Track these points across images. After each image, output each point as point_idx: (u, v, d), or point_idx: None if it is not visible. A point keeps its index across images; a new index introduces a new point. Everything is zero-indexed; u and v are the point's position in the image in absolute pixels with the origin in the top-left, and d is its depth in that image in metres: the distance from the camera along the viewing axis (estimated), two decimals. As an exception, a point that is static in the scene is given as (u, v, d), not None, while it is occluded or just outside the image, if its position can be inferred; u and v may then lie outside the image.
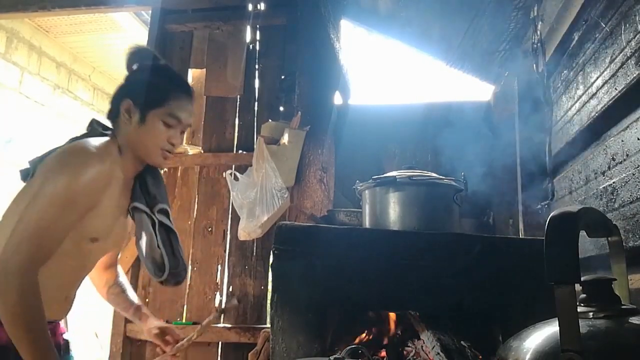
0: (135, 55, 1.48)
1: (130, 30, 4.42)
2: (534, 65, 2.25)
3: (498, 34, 2.52)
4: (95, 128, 1.44)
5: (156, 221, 1.43)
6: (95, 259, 1.45)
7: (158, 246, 1.40)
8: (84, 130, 1.46)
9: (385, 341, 1.64)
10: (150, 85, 1.40)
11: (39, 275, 1.16)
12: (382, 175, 1.70)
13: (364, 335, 1.67)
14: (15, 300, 1.11)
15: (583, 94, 1.83)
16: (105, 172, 1.29)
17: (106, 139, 1.38)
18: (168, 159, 1.44)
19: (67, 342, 1.41)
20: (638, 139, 1.39)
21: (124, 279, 1.66)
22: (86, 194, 1.24)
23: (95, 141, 1.33)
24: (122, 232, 1.49)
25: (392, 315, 1.68)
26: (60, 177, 1.21)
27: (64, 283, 1.33)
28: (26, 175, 1.34)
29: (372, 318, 1.69)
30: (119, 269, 1.67)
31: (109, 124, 1.45)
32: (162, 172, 1.59)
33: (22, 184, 1.34)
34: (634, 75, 1.40)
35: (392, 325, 1.68)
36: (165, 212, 1.48)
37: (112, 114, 1.42)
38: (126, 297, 1.61)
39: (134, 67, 1.47)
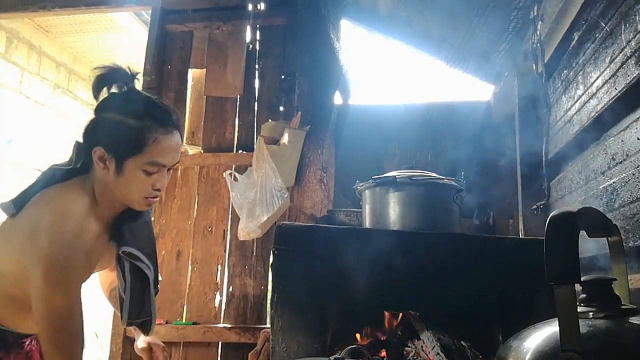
0: (105, 79, 1.25)
1: (130, 30, 4.42)
2: (534, 65, 2.25)
3: (498, 34, 2.52)
4: (75, 162, 1.28)
5: (125, 264, 1.30)
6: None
7: (124, 291, 1.30)
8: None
9: (385, 341, 1.64)
10: (123, 130, 1.19)
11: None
12: (382, 175, 1.70)
13: (365, 336, 1.67)
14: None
15: (583, 94, 1.83)
16: (93, 231, 1.20)
17: (77, 188, 1.23)
18: (153, 203, 1.30)
19: None
20: (638, 139, 1.39)
21: None
22: (81, 265, 1.17)
23: (73, 200, 1.19)
24: (112, 254, 1.35)
25: (392, 315, 1.68)
26: (51, 260, 1.11)
27: None
28: (9, 210, 1.24)
29: (372, 318, 1.69)
30: None
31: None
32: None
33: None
34: (634, 75, 1.40)
35: (392, 325, 1.67)
36: (134, 256, 1.31)
37: (85, 157, 1.25)
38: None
39: (103, 103, 1.26)
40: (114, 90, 1.27)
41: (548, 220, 0.72)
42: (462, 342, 1.53)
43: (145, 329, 1.39)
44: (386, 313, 1.68)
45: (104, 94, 1.27)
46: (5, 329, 1.21)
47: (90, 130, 1.25)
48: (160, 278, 1.43)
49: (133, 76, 1.28)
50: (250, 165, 2.71)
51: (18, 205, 1.23)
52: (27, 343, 1.27)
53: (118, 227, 1.30)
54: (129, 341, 2.83)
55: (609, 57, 1.59)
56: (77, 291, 1.17)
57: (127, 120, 1.20)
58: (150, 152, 1.20)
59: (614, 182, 1.54)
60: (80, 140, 1.27)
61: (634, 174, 1.41)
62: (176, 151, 1.26)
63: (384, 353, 1.59)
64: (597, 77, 1.69)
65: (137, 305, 1.32)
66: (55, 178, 1.27)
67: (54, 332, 1.12)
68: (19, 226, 1.19)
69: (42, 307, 1.11)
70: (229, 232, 2.92)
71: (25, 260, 1.14)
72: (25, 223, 1.18)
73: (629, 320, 0.76)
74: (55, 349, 1.12)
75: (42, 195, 1.21)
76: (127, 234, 1.30)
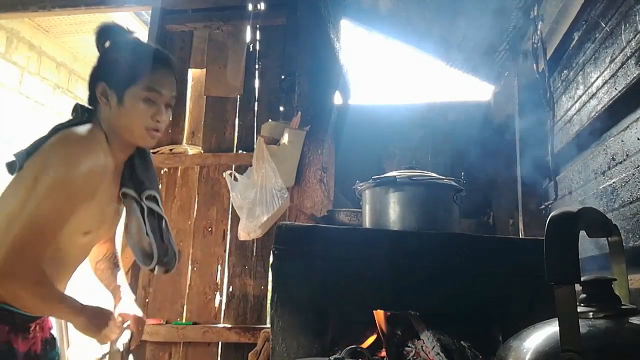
0: (105, 32, 1.38)
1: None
2: (534, 65, 2.25)
3: (498, 34, 2.52)
4: (79, 114, 1.35)
5: (145, 208, 1.37)
6: (87, 251, 1.41)
7: (147, 234, 1.35)
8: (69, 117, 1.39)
9: (385, 341, 1.64)
10: (121, 63, 1.31)
11: None
12: (382, 175, 1.70)
13: (365, 336, 1.67)
14: (32, 304, 1.18)
15: (583, 94, 1.83)
16: (100, 163, 1.24)
17: (92, 126, 1.30)
18: (156, 137, 1.35)
19: (53, 338, 1.38)
20: (638, 139, 1.39)
21: (116, 259, 1.59)
22: (83, 187, 1.20)
23: (84, 130, 1.26)
24: (114, 220, 1.45)
25: (392, 315, 1.68)
26: (57, 170, 1.17)
27: (54, 278, 1.28)
28: (12, 168, 1.30)
29: (372, 318, 1.69)
30: (116, 247, 1.61)
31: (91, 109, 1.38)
32: (153, 156, 1.52)
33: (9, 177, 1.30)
34: (634, 75, 1.40)
35: (392, 326, 1.67)
36: (153, 199, 1.41)
37: (91, 100, 1.34)
38: (110, 274, 1.54)
39: (106, 45, 1.36)
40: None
41: (548, 220, 0.72)
42: (462, 342, 1.53)
43: (170, 267, 1.42)
44: (386, 313, 1.68)
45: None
46: (14, 310, 1.20)
47: (93, 73, 1.35)
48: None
49: (131, 32, 1.41)
50: (250, 165, 2.71)
51: (21, 158, 1.28)
52: (32, 328, 1.26)
53: (132, 175, 1.38)
54: (129, 341, 2.82)
55: (609, 57, 1.59)
56: (67, 215, 1.19)
57: (124, 54, 1.32)
58: (146, 80, 1.30)
59: (614, 182, 1.54)
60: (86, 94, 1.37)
61: (634, 174, 1.41)
62: (171, 85, 1.36)
63: (384, 353, 1.59)
64: (597, 77, 1.69)
65: (162, 244, 1.38)
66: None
67: (25, 239, 1.13)
68: (25, 174, 1.23)
69: (28, 210, 1.13)
70: (229, 232, 2.92)
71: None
72: (34, 164, 1.22)
73: (629, 320, 0.76)
74: (18, 254, 1.12)
75: (52, 139, 1.24)
76: (145, 180, 1.39)
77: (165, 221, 1.43)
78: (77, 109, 1.36)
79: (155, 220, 1.40)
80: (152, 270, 1.38)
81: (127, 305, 1.45)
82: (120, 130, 1.32)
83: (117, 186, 1.37)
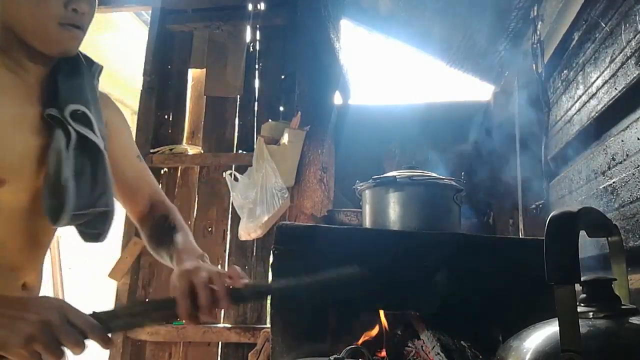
0: None
1: (130, 30, 4.42)
2: (534, 65, 2.25)
3: (498, 33, 2.52)
4: None
5: (71, 133, 0.93)
6: (22, 218, 0.95)
7: (63, 174, 0.90)
8: None
9: (385, 341, 1.64)
10: None
11: None
12: (382, 175, 1.70)
13: (365, 336, 1.67)
14: None
15: (583, 94, 1.83)
16: None
17: None
18: (76, 37, 0.96)
19: None
20: (638, 139, 1.39)
21: (168, 218, 1.16)
22: None
23: None
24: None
25: (392, 315, 1.68)
26: None
27: (21, 265, 0.98)
28: None
29: (372, 318, 1.69)
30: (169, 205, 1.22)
31: None
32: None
33: None
34: (634, 75, 1.40)
35: (392, 326, 1.67)
36: (84, 119, 0.96)
37: None
38: (167, 232, 1.10)
39: None
40: None
41: (548, 220, 0.72)
42: (462, 342, 1.53)
43: (104, 226, 0.99)
44: (386, 313, 1.68)
45: None
46: None
47: None
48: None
49: None
50: (251, 165, 2.71)
51: None
52: None
53: (56, 92, 0.96)
54: (129, 341, 2.83)
55: (609, 57, 1.59)
56: None
57: None
58: None
59: (614, 182, 1.54)
60: None
61: (634, 174, 1.41)
62: None
63: (384, 353, 1.59)
64: (597, 77, 1.69)
65: (92, 189, 0.95)
66: None
67: None
68: None
69: None
70: (229, 232, 2.92)
71: None
72: None
73: (629, 320, 0.76)
74: None
75: None
76: (68, 92, 0.97)
77: (103, 156, 0.98)
78: None
79: (86, 155, 0.96)
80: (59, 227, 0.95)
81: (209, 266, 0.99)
82: (20, 22, 0.91)
83: (33, 108, 0.95)
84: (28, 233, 0.98)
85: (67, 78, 0.99)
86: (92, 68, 1.07)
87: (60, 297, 4.20)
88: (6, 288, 0.94)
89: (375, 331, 1.67)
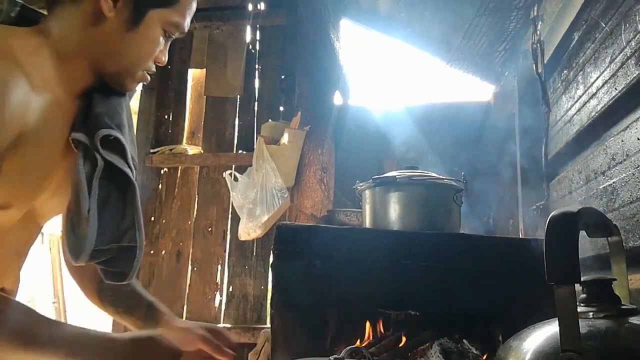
0: None
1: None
2: (534, 65, 2.25)
3: (498, 34, 2.52)
4: (5, 11, 0.88)
5: (99, 161, 0.85)
6: (13, 240, 0.93)
7: (87, 210, 0.83)
8: None
9: (385, 341, 1.64)
10: None
11: None
12: (382, 175, 1.70)
13: (365, 336, 1.67)
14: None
15: (583, 94, 1.83)
16: (20, 94, 0.77)
17: (25, 31, 0.84)
18: (145, 81, 0.97)
19: None
20: (638, 139, 1.39)
21: None
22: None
23: (11, 35, 0.82)
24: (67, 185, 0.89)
25: (392, 315, 1.68)
26: None
27: None
28: None
29: (372, 318, 1.69)
30: None
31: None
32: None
33: None
34: (634, 75, 1.40)
35: (393, 326, 1.68)
36: (117, 147, 0.90)
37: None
38: (133, 291, 1.08)
39: None
40: None
41: (548, 220, 0.72)
42: (463, 342, 1.53)
43: (129, 264, 0.91)
44: (386, 313, 1.68)
45: None
46: None
47: None
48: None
49: None
50: (250, 165, 2.71)
51: None
52: None
53: (89, 113, 0.89)
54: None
55: (609, 57, 1.59)
56: None
57: None
58: (179, 9, 0.94)
59: (614, 182, 1.54)
60: None
61: (634, 174, 1.41)
62: (189, 20, 1.00)
63: (383, 353, 1.59)
64: (597, 77, 1.69)
65: (119, 222, 0.89)
66: None
67: None
68: None
69: None
70: (229, 232, 2.92)
71: None
72: None
73: (629, 320, 0.76)
74: None
75: None
76: (104, 114, 0.90)
77: (134, 189, 0.92)
78: (23, 11, 0.90)
79: (114, 185, 0.89)
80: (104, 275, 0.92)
81: (198, 323, 1.05)
82: (108, 54, 0.90)
83: (65, 131, 0.88)
84: (13, 245, 0.94)
85: (103, 98, 0.93)
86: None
87: (60, 297, 4.20)
88: None
89: (375, 331, 1.67)
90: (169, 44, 0.98)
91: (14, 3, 0.89)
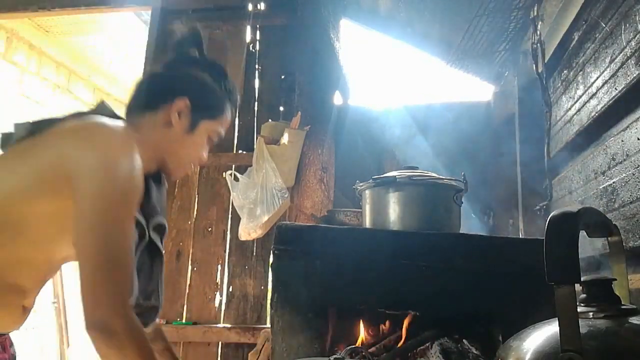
0: (189, 39, 1.29)
1: (130, 30, 4.42)
2: (534, 65, 2.25)
3: (498, 34, 2.52)
4: (108, 111, 1.14)
5: (146, 238, 1.12)
6: (55, 269, 1.17)
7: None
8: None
9: (385, 341, 1.64)
10: (211, 92, 1.21)
11: None
12: (382, 175, 1.70)
13: (365, 336, 1.67)
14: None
15: (583, 94, 1.83)
16: (140, 169, 1.03)
17: (126, 128, 1.10)
18: (187, 172, 1.28)
19: (14, 357, 1.13)
20: (638, 139, 1.39)
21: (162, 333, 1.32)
22: (135, 187, 1.00)
23: (122, 127, 1.08)
24: None
25: (392, 315, 1.68)
26: (104, 161, 0.95)
27: (26, 289, 1.05)
28: (6, 141, 1.07)
29: (372, 318, 1.69)
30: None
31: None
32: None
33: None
34: (634, 75, 1.40)
35: (392, 326, 1.67)
36: (160, 230, 1.19)
37: (147, 105, 1.16)
38: (167, 349, 1.30)
39: (194, 53, 1.26)
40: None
41: (548, 220, 0.72)
42: (463, 341, 1.53)
43: (151, 318, 1.16)
44: (386, 313, 1.68)
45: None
46: None
47: (173, 78, 1.20)
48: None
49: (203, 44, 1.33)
50: (251, 165, 2.71)
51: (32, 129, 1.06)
52: None
53: (145, 198, 1.10)
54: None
55: (609, 57, 1.59)
56: (132, 227, 1.00)
57: (216, 85, 1.23)
58: (222, 120, 1.24)
59: (614, 182, 1.54)
60: (133, 93, 1.21)
61: (634, 174, 1.41)
62: (225, 130, 1.29)
63: (383, 353, 1.59)
64: (597, 77, 1.69)
65: (147, 284, 1.12)
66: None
67: (108, 270, 0.91)
68: (35, 155, 1.00)
69: (96, 244, 0.91)
70: (229, 232, 2.92)
71: (41, 194, 0.95)
72: (54, 153, 0.99)
73: (629, 320, 0.76)
74: (107, 288, 0.90)
75: (79, 124, 1.04)
76: (158, 206, 1.18)
77: (161, 260, 1.19)
78: (105, 106, 1.17)
79: (148, 256, 1.13)
80: None
81: None
82: (168, 152, 1.17)
83: None
84: (49, 273, 1.13)
85: (157, 187, 1.21)
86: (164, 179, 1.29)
87: (60, 297, 4.20)
88: (7, 308, 1.02)
89: (375, 331, 1.67)
90: (209, 146, 1.25)
91: (107, 107, 1.16)
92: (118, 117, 1.15)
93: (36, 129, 1.06)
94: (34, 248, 1.01)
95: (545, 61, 2.22)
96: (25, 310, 1.08)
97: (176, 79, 1.20)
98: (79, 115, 1.11)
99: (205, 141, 1.22)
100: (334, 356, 1.18)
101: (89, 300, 0.90)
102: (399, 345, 1.59)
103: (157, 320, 1.19)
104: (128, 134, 1.06)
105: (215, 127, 1.22)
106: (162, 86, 1.19)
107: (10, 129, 1.09)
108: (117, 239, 0.93)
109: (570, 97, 1.99)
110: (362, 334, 1.65)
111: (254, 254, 2.87)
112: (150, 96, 1.17)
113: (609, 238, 0.89)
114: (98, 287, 0.90)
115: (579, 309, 0.77)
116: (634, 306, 0.81)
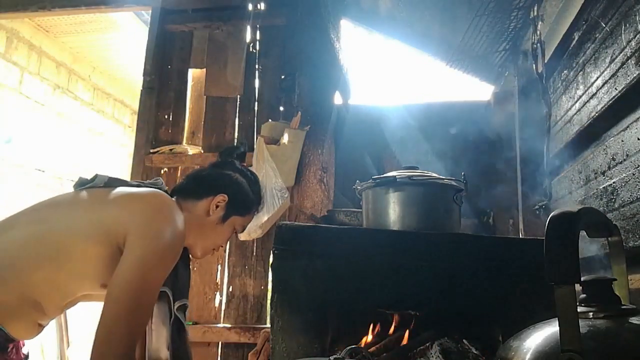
0: (235, 150, 1.61)
1: (130, 30, 4.42)
2: (534, 65, 2.25)
3: (498, 34, 2.52)
4: (162, 184, 1.42)
5: (172, 314, 1.36)
6: (74, 301, 1.31)
7: (167, 347, 1.35)
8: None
9: (385, 341, 1.64)
10: (246, 195, 1.48)
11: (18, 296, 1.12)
12: (382, 175, 1.70)
13: (365, 336, 1.67)
14: None
15: (583, 94, 1.83)
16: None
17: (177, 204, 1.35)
18: (209, 255, 1.50)
19: (26, 357, 1.27)
20: (638, 139, 1.39)
21: None
22: (177, 256, 1.22)
23: (175, 204, 1.31)
24: None
25: (392, 315, 1.68)
26: (165, 235, 1.17)
27: (47, 310, 1.20)
28: (83, 184, 1.30)
29: (372, 318, 1.69)
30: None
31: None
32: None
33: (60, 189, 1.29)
34: (634, 75, 1.40)
35: (392, 326, 1.67)
36: (183, 308, 1.43)
37: (193, 193, 1.42)
38: None
39: (236, 163, 1.53)
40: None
41: (548, 220, 0.72)
42: (463, 342, 1.53)
43: None
44: (386, 313, 1.68)
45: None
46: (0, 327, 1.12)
47: (221, 178, 1.48)
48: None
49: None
50: (251, 165, 2.70)
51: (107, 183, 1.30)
52: (9, 349, 1.18)
53: (173, 273, 1.29)
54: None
55: (609, 57, 1.59)
56: (160, 285, 1.20)
57: (251, 191, 1.52)
58: (247, 218, 1.51)
59: (614, 182, 1.54)
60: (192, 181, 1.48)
61: (634, 174, 1.41)
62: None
63: (384, 353, 1.59)
64: (597, 77, 1.69)
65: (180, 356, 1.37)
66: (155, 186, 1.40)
67: (127, 316, 1.09)
68: (105, 203, 1.23)
69: (134, 282, 1.10)
70: (229, 232, 2.92)
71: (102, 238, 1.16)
72: (121, 213, 1.21)
73: (629, 320, 0.76)
74: (122, 332, 1.07)
75: (146, 193, 1.28)
76: (184, 287, 1.45)
77: (187, 334, 1.43)
78: (161, 181, 1.43)
79: (176, 329, 1.38)
80: None
81: None
82: (200, 235, 1.40)
83: None
84: (68, 305, 1.26)
85: (184, 269, 1.43)
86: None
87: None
88: (25, 320, 1.16)
89: (375, 331, 1.67)
90: (232, 235, 1.49)
91: (160, 186, 1.39)
92: (169, 194, 1.38)
93: (111, 184, 1.29)
94: (69, 279, 1.18)
95: (546, 61, 2.22)
96: (40, 327, 1.22)
97: (221, 178, 1.47)
98: (144, 185, 1.37)
99: (230, 232, 1.46)
100: (334, 356, 1.18)
101: (102, 340, 1.05)
102: (399, 345, 1.59)
103: None
104: (180, 213, 1.28)
105: (242, 222, 1.48)
106: (210, 181, 1.46)
107: (89, 176, 1.33)
108: (145, 294, 1.12)
109: (570, 97, 1.99)
110: (368, 335, 1.65)
111: (254, 254, 2.87)
112: (198, 186, 1.44)
113: (609, 238, 0.89)
114: (115, 328, 1.06)
115: (579, 309, 0.77)
116: (634, 306, 0.81)
